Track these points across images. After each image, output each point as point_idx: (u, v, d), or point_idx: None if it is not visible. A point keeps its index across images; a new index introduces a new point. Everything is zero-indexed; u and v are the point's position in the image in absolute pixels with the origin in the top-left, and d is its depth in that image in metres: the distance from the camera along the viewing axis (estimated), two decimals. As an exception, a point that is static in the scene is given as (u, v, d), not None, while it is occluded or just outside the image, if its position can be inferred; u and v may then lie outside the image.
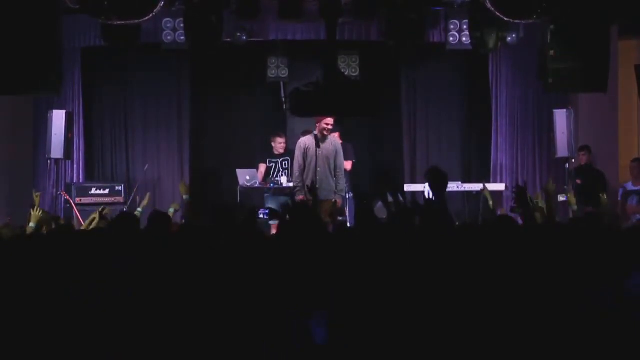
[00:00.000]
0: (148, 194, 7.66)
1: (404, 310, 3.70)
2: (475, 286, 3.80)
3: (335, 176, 9.11)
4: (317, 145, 8.95)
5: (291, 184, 9.64)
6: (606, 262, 3.98)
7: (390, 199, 5.62)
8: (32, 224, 5.85)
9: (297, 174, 9.09)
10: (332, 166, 9.08)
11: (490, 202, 6.74)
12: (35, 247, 4.16)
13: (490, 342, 3.56)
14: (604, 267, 3.94)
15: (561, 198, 9.49)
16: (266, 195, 10.58)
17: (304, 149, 9.08)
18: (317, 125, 9.08)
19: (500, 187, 10.93)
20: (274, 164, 10.81)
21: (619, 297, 3.69)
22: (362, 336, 3.66)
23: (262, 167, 10.81)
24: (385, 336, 3.63)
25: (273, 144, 10.87)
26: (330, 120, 9.03)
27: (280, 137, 10.90)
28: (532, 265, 3.99)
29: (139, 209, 6.86)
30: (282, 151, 10.80)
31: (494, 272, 3.92)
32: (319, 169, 8.94)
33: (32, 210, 5.98)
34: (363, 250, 4.27)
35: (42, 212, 5.96)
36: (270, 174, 10.74)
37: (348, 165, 10.59)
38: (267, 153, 10.92)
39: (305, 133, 10.31)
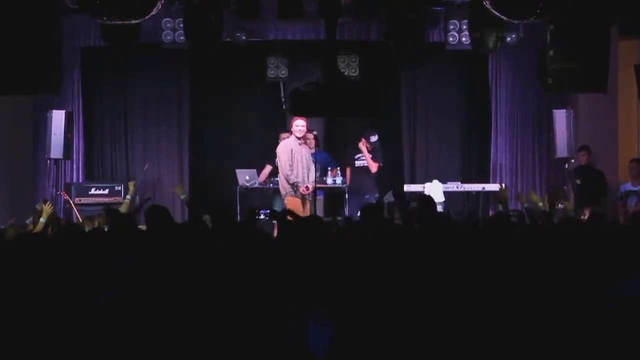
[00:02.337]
0: (134, 182, 7.81)
1: (404, 310, 3.70)
2: (476, 286, 3.80)
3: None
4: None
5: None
6: (606, 263, 3.98)
7: (392, 198, 5.62)
8: (42, 219, 5.89)
9: (288, 174, 9.43)
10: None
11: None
12: (36, 247, 4.17)
13: (491, 343, 3.56)
14: (604, 268, 3.94)
15: (559, 206, 9.46)
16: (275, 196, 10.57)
17: (290, 149, 9.51)
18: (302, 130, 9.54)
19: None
20: None
21: (618, 298, 3.69)
22: (362, 336, 3.66)
23: (268, 169, 10.77)
24: (386, 336, 3.63)
25: None
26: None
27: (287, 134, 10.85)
28: (533, 265, 3.99)
29: (128, 196, 6.88)
30: None
31: (494, 272, 3.92)
32: (308, 170, 9.51)
33: (43, 205, 6.02)
34: (364, 251, 4.27)
35: (52, 208, 6.02)
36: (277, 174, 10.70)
37: (374, 167, 10.64)
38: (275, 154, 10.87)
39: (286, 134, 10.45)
